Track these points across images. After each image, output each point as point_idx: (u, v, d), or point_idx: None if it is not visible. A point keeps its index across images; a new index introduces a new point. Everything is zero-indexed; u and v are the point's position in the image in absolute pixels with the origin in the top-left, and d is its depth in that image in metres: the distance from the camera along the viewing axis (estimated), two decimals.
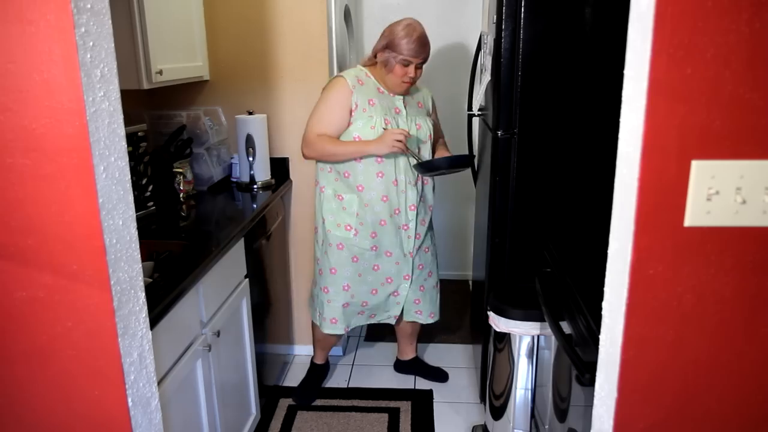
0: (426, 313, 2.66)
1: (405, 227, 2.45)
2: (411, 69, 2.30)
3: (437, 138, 2.61)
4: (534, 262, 2.15)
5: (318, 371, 2.82)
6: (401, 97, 2.41)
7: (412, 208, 2.43)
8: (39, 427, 1.14)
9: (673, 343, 0.97)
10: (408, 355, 2.91)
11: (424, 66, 2.37)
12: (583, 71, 2.05)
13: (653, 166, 0.89)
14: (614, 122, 0.97)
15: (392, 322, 2.65)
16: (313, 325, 2.71)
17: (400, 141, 2.23)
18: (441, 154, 2.49)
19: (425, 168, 2.35)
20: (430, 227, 2.61)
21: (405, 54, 2.27)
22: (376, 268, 2.49)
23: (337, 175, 2.40)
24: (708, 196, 0.89)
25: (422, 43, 2.29)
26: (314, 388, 2.76)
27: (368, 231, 2.42)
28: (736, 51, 0.84)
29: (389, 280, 2.52)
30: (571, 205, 2.16)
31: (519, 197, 2.20)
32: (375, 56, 2.38)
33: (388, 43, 2.30)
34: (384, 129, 2.30)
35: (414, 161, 2.35)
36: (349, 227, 2.42)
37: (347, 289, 2.49)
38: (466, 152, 2.81)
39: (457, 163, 2.38)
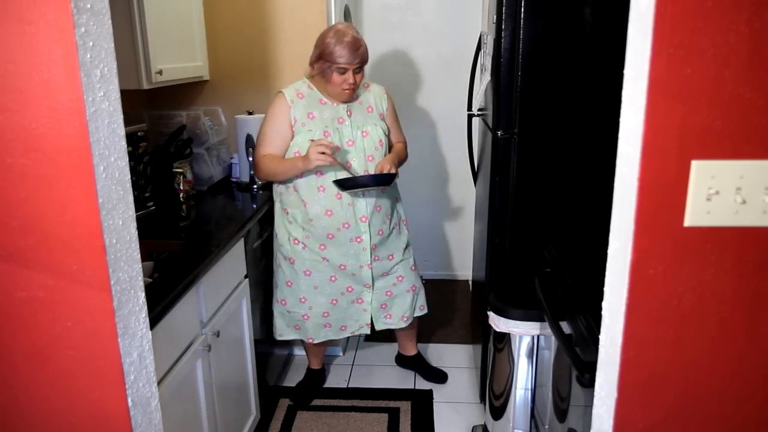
0: (397, 317, 2.58)
1: (358, 239, 2.39)
2: (349, 75, 2.23)
3: (394, 140, 2.53)
4: (534, 262, 2.15)
5: (314, 376, 2.82)
6: (345, 106, 2.35)
7: (363, 219, 2.36)
8: (39, 427, 1.14)
9: (673, 343, 0.97)
10: (410, 351, 2.91)
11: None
12: (583, 71, 2.05)
13: (653, 166, 0.89)
14: (614, 122, 0.97)
15: (366, 331, 2.56)
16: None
17: (323, 153, 2.14)
18: (380, 164, 2.32)
19: (342, 185, 2.26)
20: (398, 233, 2.54)
21: (339, 62, 2.20)
22: (332, 278, 2.44)
23: (285, 189, 2.38)
24: (708, 196, 0.89)
25: (354, 48, 2.20)
26: (311, 390, 2.76)
27: (316, 244, 2.38)
28: (736, 51, 0.84)
29: (350, 289, 2.48)
30: (571, 205, 2.16)
31: (519, 197, 2.19)
32: (313, 67, 2.32)
33: (320, 53, 2.24)
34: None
35: (345, 174, 2.28)
36: (296, 241, 2.39)
37: (304, 302, 2.47)
38: (467, 153, 2.81)
39: (377, 181, 2.28)
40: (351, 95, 2.32)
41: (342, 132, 2.32)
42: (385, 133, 2.40)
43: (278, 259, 2.48)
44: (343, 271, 2.43)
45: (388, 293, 2.55)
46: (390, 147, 2.49)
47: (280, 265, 2.47)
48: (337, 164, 2.22)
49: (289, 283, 2.46)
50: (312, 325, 2.51)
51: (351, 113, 2.36)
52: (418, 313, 2.66)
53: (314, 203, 2.32)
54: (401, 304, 2.59)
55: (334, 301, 2.48)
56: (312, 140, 2.23)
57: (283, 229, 2.42)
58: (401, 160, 2.50)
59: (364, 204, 2.36)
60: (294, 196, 2.36)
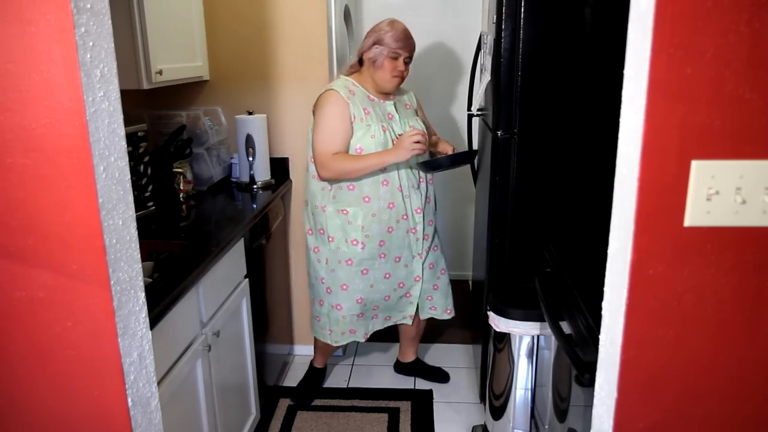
0: (441, 308, 2.66)
1: (413, 231, 2.46)
2: (400, 62, 2.33)
3: (431, 134, 2.62)
4: (534, 262, 2.15)
5: (317, 374, 2.82)
6: (392, 102, 2.42)
7: (418, 211, 2.44)
8: (39, 427, 1.14)
9: (673, 343, 0.97)
10: (408, 357, 2.91)
11: (412, 67, 2.41)
12: (583, 71, 2.05)
13: (653, 166, 0.89)
14: (614, 122, 0.97)
15: (409, 322, 2.63)
16: (314, 337, 2.71)
17: (418, 142, 2.23)
18: (443, 147, 2.52)
19: (428, 167, 2.38)
20: (434, 225, 2.62)
21: (392, 46, 2.29)
22: (387, 275, 2.48)
23: (337, 191, 2.37)
24: (708, 196, 0.89)
25: (407, 36, 2.33)
26: (312, 389, 2.76)
27: (375, 242, 2.40)
28: (736, 51, 0.84)
29: (401, 285, 2.53)
30: (571, 205, 2.16)
31: (519, 197, 2.20)
32: (360, 60, 2.38)
33: (375, 40, 2.33)
34: (383, 136, 2.32)
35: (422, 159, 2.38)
36: (355, 242, 2.39)
37: (360, 302, 2.48)
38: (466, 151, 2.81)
39: (459, 159, 2.42)
40: (398, 85, 2.39)
41: (393, 127, 2.38)
42: (423, 128, 2.46)
43: (331, 264, 2.44)
44: (397, 264, 2.48)
45: (435, 287, 2.62)
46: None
47: (333, 270, 2.44)
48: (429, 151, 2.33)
49: (344, 287, 2.45)
50: (365, 322, 2.56)
51: (397, 109, 2.44)
52: (447, 316, 2.70)
53: (378, 198, 2.36)
54: (445, 296, 2.67)
55: (387, 298, 2.54)
56: (376, 136, 2.31)
57: (340, 233, 2.40)
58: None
59: (419, 195, 2.44)
60: (353, 194, 2.36)
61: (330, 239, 2.42)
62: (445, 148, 2.49)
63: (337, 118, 2.30)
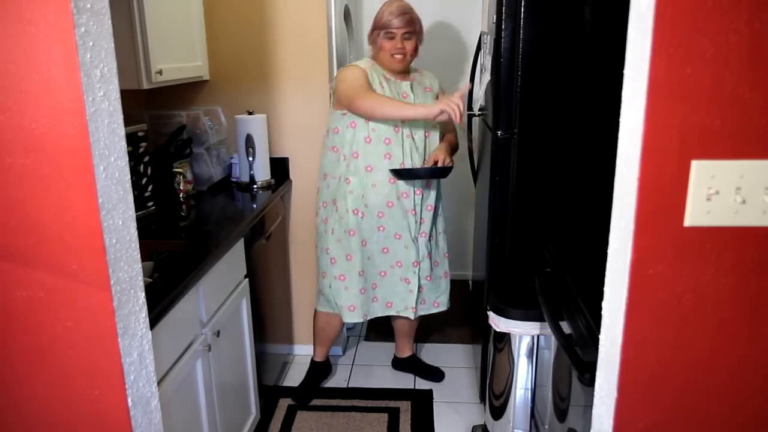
0: (429, 301, 2.64)
1: (412, 212, 2.46)
2: (397, 40, 2.34)
3: (448, 127, 2.59)
4: (534, 262, 2.15)
5: (318, 369, 2.82)
6: (408, 83, 2.45)
7: (419, 192, 2.45)
8: (39, 427, 1.14)
9: (673, 343, 0.97)
10: (405, 352, 2.91)
11: (419, 46, 2.43)
12: (583, 71, 2.05)
13: (653, 165, 0.89)
14: (614, 122, 0.97)
15: (410, 315, 2.59)
16: (314, 320, 2.71)
17: (456, 105, 2.13)
18: (435, 154, 2.42)
19: (402, 174, 2.37)
20: (437, 215, 2.60)
21: (387, 26, 2.32)
22: (385, 250, 2.49)
23: (344, 159, 2.42)
24: (708, 195, 0.89)
25: (402, 11, 2.33)
26: (313, 387, 2.76)
27: (374, 212, 2.43)
28: (736, 51, 0.84)
29: (399, 264, 2.52)
30: (571, 205, 2.16)
31: (519, 197, 2.20)
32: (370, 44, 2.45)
33: (374, 23, 2.39)
34: None
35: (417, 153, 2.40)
36: (356, 211, 2.44)
37: (362, 275, 2.51)
38: (467, 153, 2.81)
39: (435, 174, 2.41)
40: (403, 63, 2.40)
41: None
42: None
43: (337, 234, 2.48)
44: (397, 241, 2.48)
45: (428, 278, 2.60)
46: (442, 132, 2.56)
47: (340, 239, 2.48)
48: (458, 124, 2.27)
49: (349, 257, 2.49)
50: (366, 300, 2.55)
51: (413, 90, 2.46)
52: (441, 308, 2.68)
53: (379, 169, 2.39)
54: (435, 289, 2.65)
55: (383, 273, 2.53)
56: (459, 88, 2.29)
57: (343, 201, 2.45)
58: (453, 149, 2.56)
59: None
60: (355, 163, 2.41)
61: (336, 208, 2.47)
62: (436, 155, 2.42)
63: (360, 75, 2.35)
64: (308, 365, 2.84)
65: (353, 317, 2.54)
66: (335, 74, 2.48)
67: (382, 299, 2.58)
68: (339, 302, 2.54)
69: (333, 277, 2.53)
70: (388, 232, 2.47)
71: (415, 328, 2.86)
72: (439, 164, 2.39)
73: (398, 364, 2.95)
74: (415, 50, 2.44)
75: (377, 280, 2.54)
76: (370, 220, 2.45)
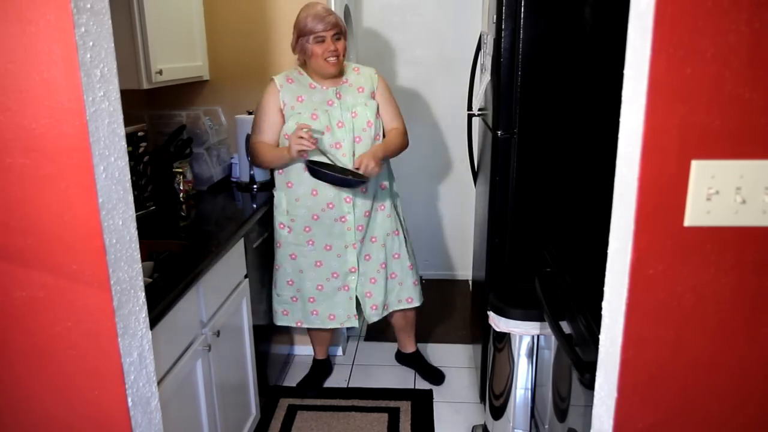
0: (381, 307, 2.58)
1: (343, 219, 2.40)
2: (329, 43, 2.26)
3: (389, 125, 2.46)
4: (534, 261, 2.15)
5: (319, 367, 2.84)
6: (334, 89, 2.37)
7: (348, 200, 2.38)
8: (39, 427, 1.14)
9: (672, 343, 0.97)
10: (408, 348, 2.91)
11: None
12: (583, 71, 2.05)
13: (653, 165, 0.89)
14: (614, 122, 0.97)
15: (354, 323, 2.57)
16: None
17: (302, 138, 2.16)
18: (361, 160, 2.28)
19: (313, 172, 2.24)
20: (387, 217, 2.51)
21: (314, 31, 2.24)
22: (318, 264, 2.48)
23: (276, 173, 2.45)
24: (708, 195, 0.89)
25: (326, 14, 2.25)
26: (315, 382, 2.79)
27: (301, 226, 2.43)
28: (736, 51, 0.84)
29: (335, 275, 2.50)
30: (571, 204, 2.16)
31: (519, 197, 2.20)
32: (297, 55, 2.37)
33: (297, 33, 2.29)
34: (313, 124, 2.28)
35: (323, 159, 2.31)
36: (282, 225, 2.45)
37: (291, 284, 2.53)
38: (467, 153, 2.81)
39: (343, 183, 2.28)
40: (335, 68, 2.33)
41: (331, 114, 2.33)
42: (375, 113, 2.39)
43: (274, 244, 2.54)
44: (328, 252, 2.46)
45: (372, 280, 2.55)
46: (383, 131, 2.45)
47: (274, 250, 2.54)
48: (317, 149, 2.26)
49: (277, 267, 2.54)
50: (300, 309, 2.56)
51: (340, 95, 2.38)
52: (404, 306, 2.64)
53: (300, 183, 2.37)
54: (384, 293, 2.59)
55: (320, 287, 2.51)
56: (298, 123, 2.26)
57: (275, 214, 2.48)
58: (392, 149, 2.43)
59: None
60: (280, 178, 2.42)
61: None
62: (360, 160, 2.27)
63: (265, 108, 2.36)
64: (308, 365, 2.86)
65: (286, 321, 2.59)
66: None
67: (322, 313, 2.55)
68: (273, 307, 2.59)
69: (272, 285, 2.60)
70: (318, 245, 2.44)
71: (413, 323, 2.83)
72: (361, 170, 2.26)
73: (401, 358, 2.96)
74: (346, 49, 2.35)
75: (314, 294, 2.52)
76: (298, 234, 2.44)
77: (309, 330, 2.75)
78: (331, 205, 2.38)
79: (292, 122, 2.30)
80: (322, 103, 2.35)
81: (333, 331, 2.78)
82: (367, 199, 2.44)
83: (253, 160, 2.43)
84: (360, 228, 2.45)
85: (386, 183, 2.52)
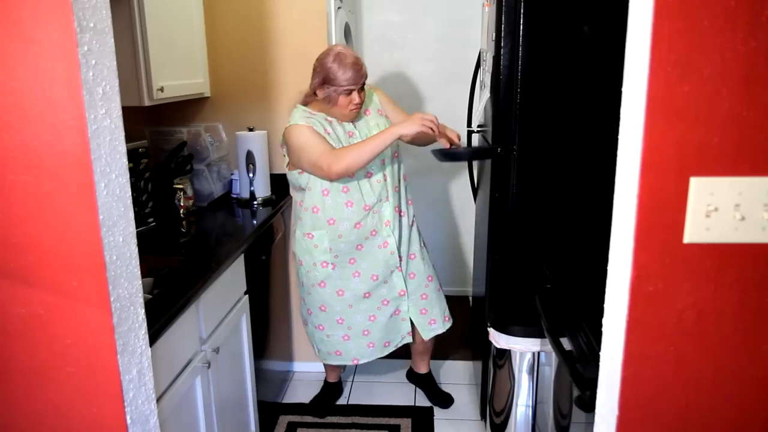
0: (440, 319, 2.57)
1: (385, 245, 2.39)
2: (354, 96, 2.24)
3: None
4: (534, 278, 2.15)
5: (330, 389, 2.83)
6: (352, 122, 2.37)
7: (387, 223, 2.38)
8: None
9: (673, 360, 0.97)
10: (421, 369, 2.88)
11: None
12: (581, 88, 2.06)
13: (652, 183, 0.90)
14: (613, 139, 0.97)
15: (409, 340, 2.56)
16: None
17: (432, 122, 2.15)
18: (450, 134, 2.33)
19: (447, 155, 2.28)
20: (415, 231, 2.53)
21: (344, 85, 2.20)
22: (367, 295, 2.42)
23: (303, 213, 2.37)
24: (707, 212, 0.90)
25: (357, 68, 2.22)
26: (327, 403, 2.77)
27: (346, 260, 2.37)
28: (733, 69, 0.85)
29: (385, 302, 2.46)
30: (571, 221, 2.16)
31: (518, 213, 2.20)
32: (315, 93, 2.31)
33: (323, 78, 2.23)
34: None
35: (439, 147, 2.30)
36: (325, 264, 2.37)
37: (342, 323, 2.45)
38: (466, 169, 2.82)
39: (479, 154, 2.32)
40: (356, 114, 2.33)
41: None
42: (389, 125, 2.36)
43: (306, 287, 2.45)
44: (375, 282, 2.42)
45: (424, 296, 2.53)
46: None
47: (309, 293, 2.44)
48: (440, 138, 2.28)
49: (323, 308, 2.44)
50: (354, 346, 2.49)
51: (356, 125, 2.38)
52: (448, 324, 2.61)
53: (343, 220, 2.31)
54: (439, 305, 2.57)
55: (372, 318, 2.46)
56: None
57: (307, 256, 2.39)
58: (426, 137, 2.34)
59: (388, 208, 2.38)
60: (317, 218, 2.33)
61: (300, 263, 2.43)
62: (452, 136, 2.31)
63: (310, 135, 2.24)
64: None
65: (341, 360, 2.54)
66: (283, 134, 2.34)
67: (379, 342, 2.51)
68: (323, 348, 2.53)
69: (313, 326, 2.51)
70: (364, 276, 2.40)
71: (431, 348, 2.80)
72: (455, 140, 2.30)
73: (413, 377, 2.93)
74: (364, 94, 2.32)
75: (368, 326, 2.47)
76: (343, 269, 2.39)
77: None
78: (374, 233, 2.36)
79: None
80: (344, 135, 2.33)
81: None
82: (400, 221, 2.45)
83: (344, 159, 2.17)
84: (401, 246, 2.46)
85: (411, 198, 2.54)
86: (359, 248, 2.37)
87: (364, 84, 2.29)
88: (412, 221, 2.53)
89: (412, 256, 2.51)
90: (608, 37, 1.97)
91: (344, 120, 2.34)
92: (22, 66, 0.95)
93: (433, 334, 2.57)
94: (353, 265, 2.38)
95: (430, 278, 2.56)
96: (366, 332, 2.47)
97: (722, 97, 0.86)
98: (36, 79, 0.95)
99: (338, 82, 2.20)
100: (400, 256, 2.44)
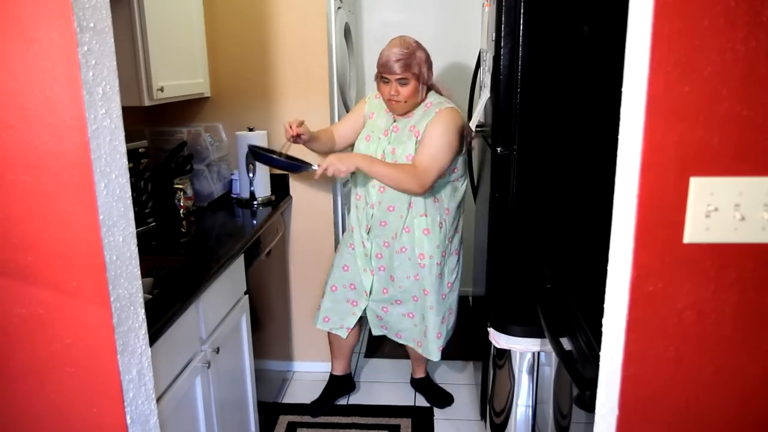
0: (392, 331, 2.59)
1: (364, 244, 2.48)
2: (392, 86, 2.24)
3: (414, 157, 2.28)
4: (534, 278, 2.15)
5: (334, 383, 2.80)
6: (394, 122, 2.38)
7: (366, 228, 2.46)
8: None
9: (673, 360, 0.97)
10: (417, 374, 2.88)
11: (420, 88, 2.25)
12: (581, 88, 2.06)
13: (652, 183, 0.90)
14: (613, 139, 0.97)
15: (343, 334, 2.59)
16: (329, 335, 2.70)
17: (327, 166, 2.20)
18: (347, 155, 2.27)
19: (255, 154, 2.33)
20: (423, 267, 2.40)
21: (378, 69, 2.27)
22: (345, 268, 2.54)
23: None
24: (707, 212, 0.90)
25: (398, 58, 2.18)
26: (325, 401, 2.75)
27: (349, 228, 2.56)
28: (733, 69, 0.85)
29: (352, 286, 2.55)
30: (571, 221, 2.16)
31: (518, 213, 2.20)
32: None
33: (377, 62, 2.31)
34: (363, 144, 2.41)
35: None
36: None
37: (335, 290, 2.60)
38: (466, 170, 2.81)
39: (285, 165, 2.32)
40: (399, 109, 2.30)
41: (380, 143, 2.38)
42: (405, 159, 2.30)
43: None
44: (351, 271, 2.54)
45: (384, 309, 2.55)
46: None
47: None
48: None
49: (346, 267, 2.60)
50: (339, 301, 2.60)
51: (397, 129, 2.37)
52: (418, 349, 2.56)
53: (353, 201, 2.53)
54: (397, 324, 2.56)
55: (334, 288, 2.54)
56: (361, 138, 2.44)
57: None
58: (384, 173, 2.22)
59: (368, 215, 2.44)
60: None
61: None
62: (329, 160, 2.20)
63: (356, 107, 2.53)
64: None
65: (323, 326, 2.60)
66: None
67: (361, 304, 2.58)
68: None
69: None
70: (356, 252, 2.54)
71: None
72: (323, 165, 2.19)
73: (413, 383, 2.92)
74: (415, 93, 2.26)
75: (327, 292, 2.60)
76: (348, 236, 2.58)
77: (329, 338, 2.72)
78: (352, 228, 2.54)
79: (362, 133, 2.44)
80: (381, 129, 2.40)
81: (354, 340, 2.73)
82: (385, 232, 2.45)
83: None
84: (379, 256, 2.49)
85: (438, 221, 2.41)
86: (352, 229, 2.54)
87: (404, 81, 2.22)
88: (414, 247, 2.42)
89: (392, 278, 2.48)
90: (608, 37, 1.97)
91: (390, 110, 2.38)
92: (22, 66, 0.95)
93: (378, 333, 2.63)
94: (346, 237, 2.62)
95: (398, 302, 2.53)
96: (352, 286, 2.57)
97: (722, 97, 0.86)
98: (36, 79, 0.95)
99: (379, 66, 2.27)
100: (379, 264, 2.49)
